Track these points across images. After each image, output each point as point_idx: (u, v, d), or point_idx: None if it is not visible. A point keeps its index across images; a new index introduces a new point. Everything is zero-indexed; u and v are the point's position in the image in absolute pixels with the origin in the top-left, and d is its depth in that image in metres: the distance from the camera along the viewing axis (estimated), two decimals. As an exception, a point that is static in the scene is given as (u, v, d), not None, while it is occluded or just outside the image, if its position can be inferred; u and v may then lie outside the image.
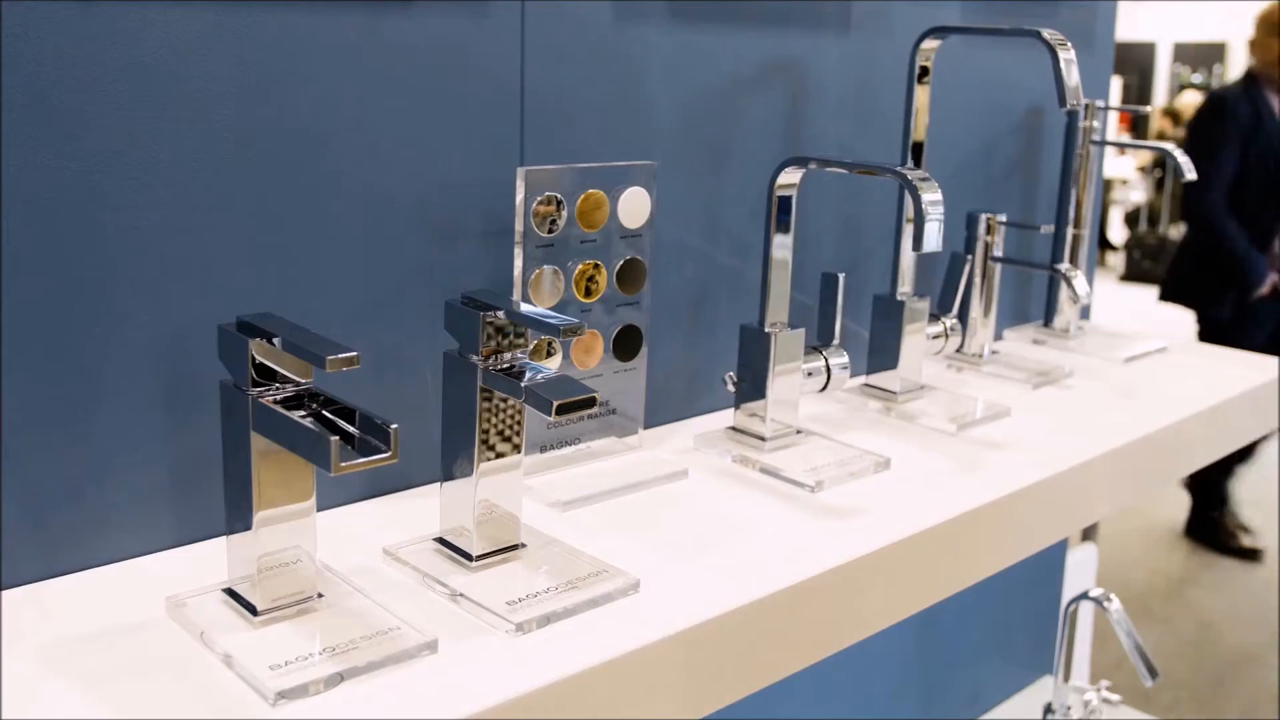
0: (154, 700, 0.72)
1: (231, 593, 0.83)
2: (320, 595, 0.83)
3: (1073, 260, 1.67)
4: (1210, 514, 4.45)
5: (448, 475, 0.91)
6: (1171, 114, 8.41)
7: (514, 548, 0.93)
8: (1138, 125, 8.15)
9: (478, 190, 1.06)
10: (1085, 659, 2.10)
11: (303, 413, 0.78)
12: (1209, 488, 4.42)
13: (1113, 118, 1.97)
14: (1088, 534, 2.73)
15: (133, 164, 0.85)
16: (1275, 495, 4.38)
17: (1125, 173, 8.14)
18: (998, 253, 1.53)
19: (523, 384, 0.84)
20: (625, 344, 1.14)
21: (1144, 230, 8.07)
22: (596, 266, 1.09)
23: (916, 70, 1.33)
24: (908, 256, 1.37)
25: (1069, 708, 1.75)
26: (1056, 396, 1.44)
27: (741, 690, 0.89)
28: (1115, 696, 1.77)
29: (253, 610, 0.81)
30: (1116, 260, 8.36)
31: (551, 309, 1.06)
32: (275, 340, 0.77)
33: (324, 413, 0.78)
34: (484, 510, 0.90)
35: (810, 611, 0.93)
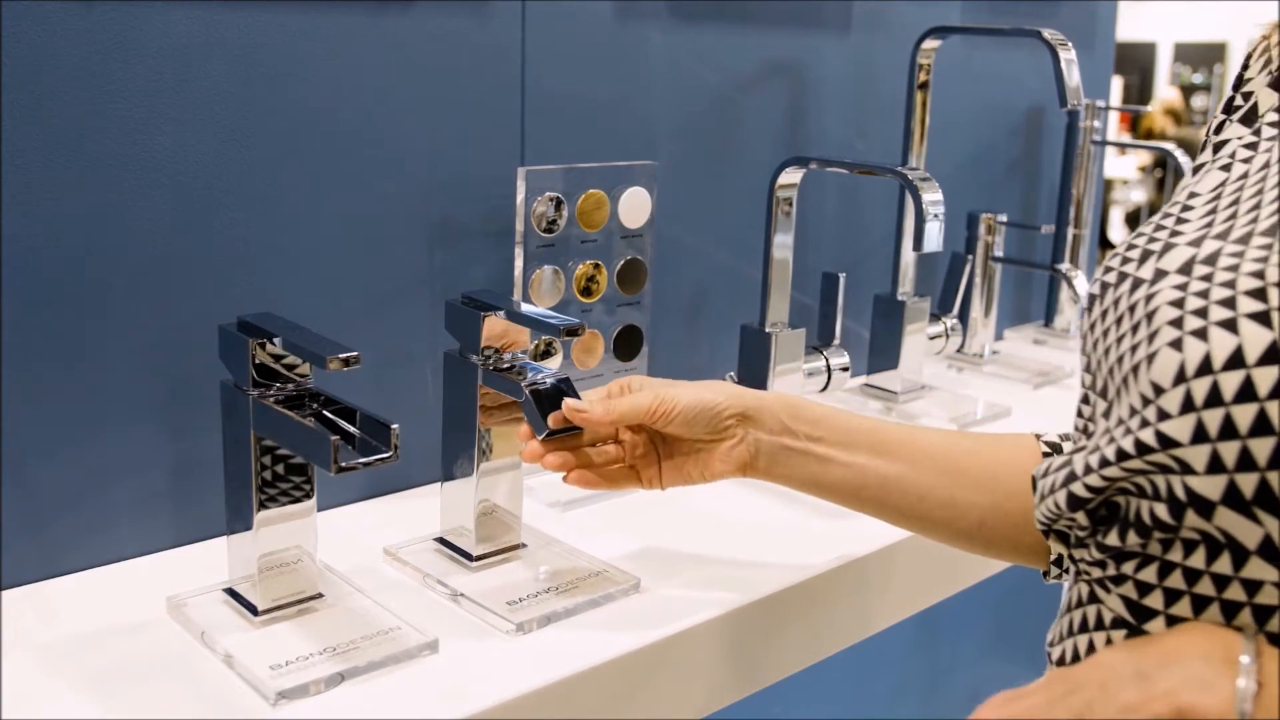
0: (154, 700, 0.72)
1: (232, 593, 0.83)
2: (321, 595, 0.83)
3: (1073, 260, 1.67)
4: None
5: (448, 475, 0.91)
6: (1173, 113, 8.40)
7: (514, 548, 0.93)
8: (1138, 125, 8.15)
9: (478, 190, 1.05)
10: (1086, 659, 2.10)
11: (303, 412, 0.78)
12: None
13: (1113, 118, 1.97)
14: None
15: (133, 163, 0.85)
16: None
17: (1126, 173, 8.13)
18: (998, 253, 1.53)
19: (523, 384, 0.84)
20: (626, 344, 1.14)
21: (1144, 230, 8.06)
22: (597, 266, 1.09)
23: (917, 70, 1.33)
24: (908, 256, 1.37)
25: (1069, 708, 1.74)
26: (1057, 396, 1.44)
27: (742, 690, 0.89)
28: (1115, 696, 1.77)
29: (253, 610, 0.81)
30: (1117, 260, 8.36)
31: (552, 309, 1.06)
32: (276, 340, 0.77)
33: (324, 413, 0.78)
34: (484, 510, 0.90)
35: (811, 612, 0.93)
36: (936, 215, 1.02)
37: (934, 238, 1.02)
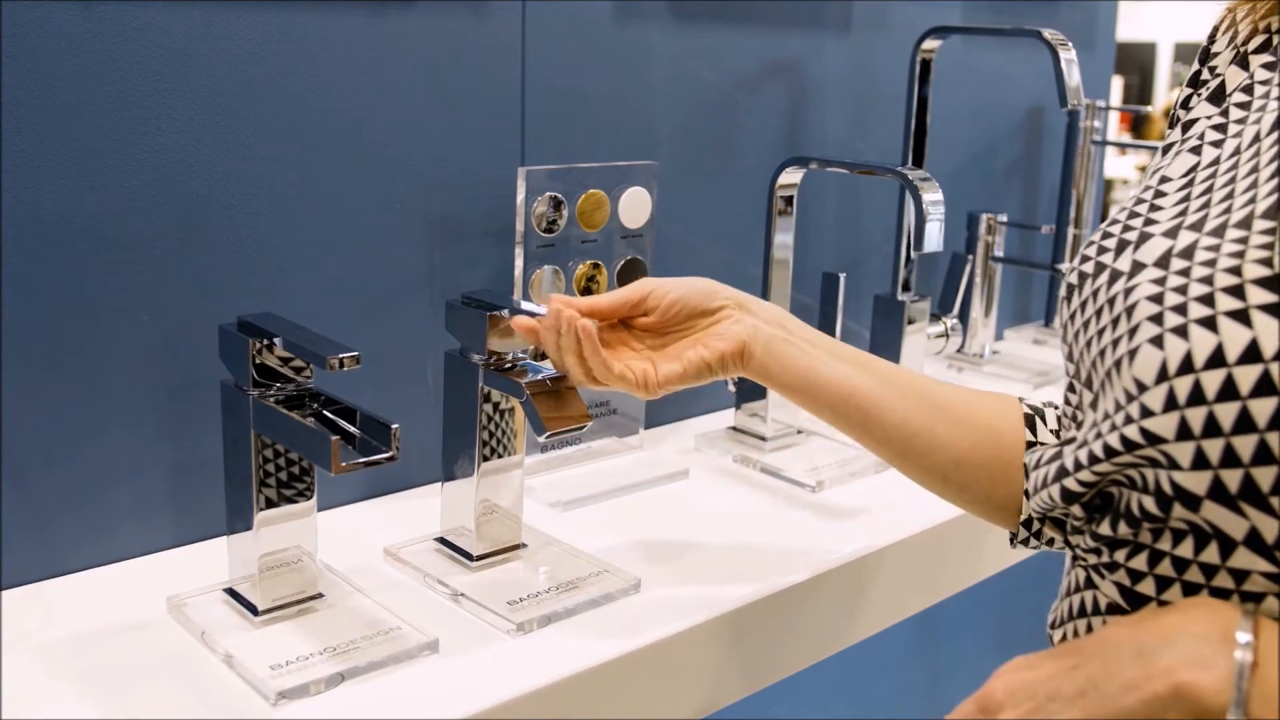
0: (154, 700, 0.72)
1: (232, 593, 0.83)
2: (321, 595, 0.83)
3: (1073, 260, 1.67)
4: None
5: (448, 475, 0.91)
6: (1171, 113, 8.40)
7: (515, 548, 0.93)
8: (1138, 125, 8.15)
9: (478, 190, 1.05)
10: (1086, 659, 2.09)
11: (303, 412, 0.78)
12: None
13: (1113, 118, 1.97)
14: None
15: (133, 163, 0.85)
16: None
17: (1125, 173, 8.13)
18: (999, 253, 1.53)
19: (523, 384, 0.84)
20: (626, 344, 1.14)
21: (1145, 230, 8.03)
22: (597, 266, 1.09)
23: (917, 70, 1.33)
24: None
25: (1070, 708, 1.74)
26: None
27: (742, 690, 0.89)
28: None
29: (253, 610, 0.81)
30: (1117, 260, 8.33)
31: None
32: (276, 340, 0.77)
33: (325, 412, 0.78)
34: (485, 510, 0.90)
35: (811, 611, 0.93)
36: (936, 215, 1.02)
37: (934, 238, 1.02)
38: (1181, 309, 0.56)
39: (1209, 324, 0.54)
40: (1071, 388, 0.69)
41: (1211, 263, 0.56)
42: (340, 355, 0.72)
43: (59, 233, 0.83)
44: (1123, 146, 2.59)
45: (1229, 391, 0.53)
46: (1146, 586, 0.60)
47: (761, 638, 0.89)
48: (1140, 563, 0.61)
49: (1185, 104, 0.72)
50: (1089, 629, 0.65)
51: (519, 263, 1.04)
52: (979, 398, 0.82)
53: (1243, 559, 0.55)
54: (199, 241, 0.89)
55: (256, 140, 0.91)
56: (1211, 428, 0.54)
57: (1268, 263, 0.54)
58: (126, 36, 0.83)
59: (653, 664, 0.81)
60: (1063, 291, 0.69)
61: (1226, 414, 0.53)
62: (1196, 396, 0.54)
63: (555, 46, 1.08)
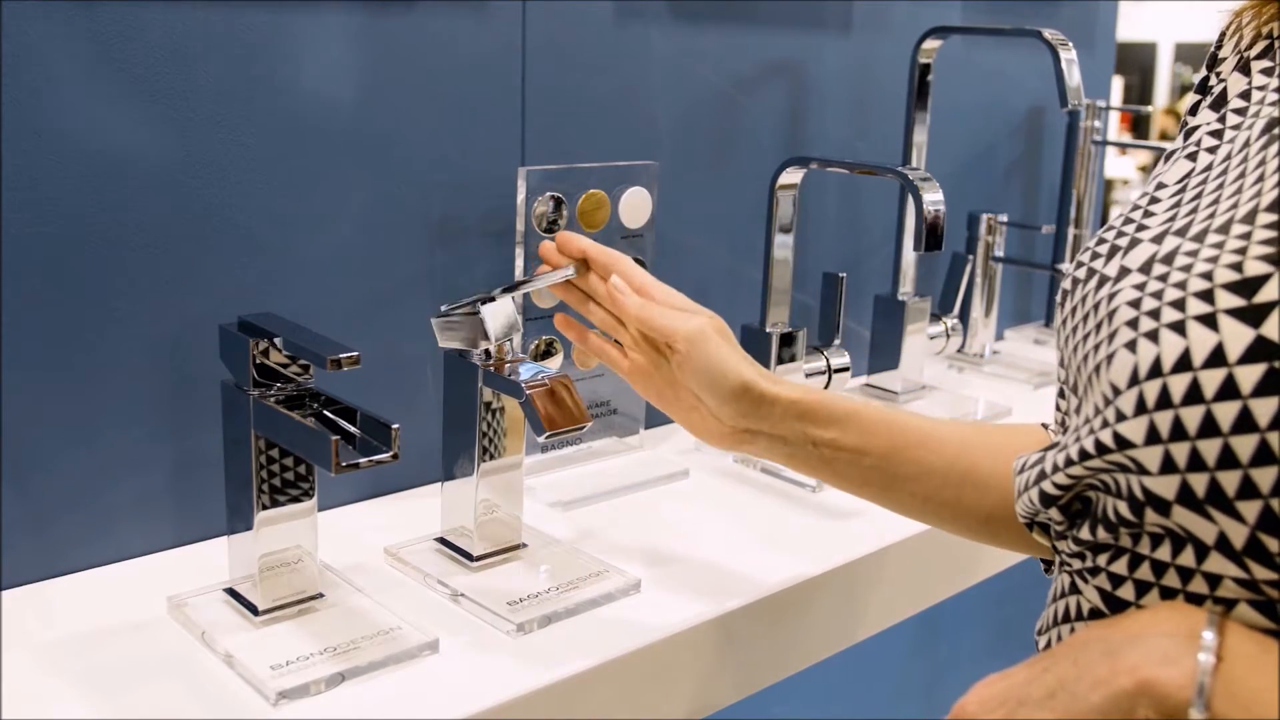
0: (154, 700, 0.72)
1: (232, 592, 0.83)
2: (321, 595, 0.83)
3: (1071, 264, 1.67)
4: None
5: (448, 475, 0.91)
6: (1174, 114, 8.40)
7: (515, 548, 0.93)
8: (1139, 125, 8.15)
9: (478, 190, 1.05)
10: (1086, 659, 2.09)
11: (304, 412, 0.78)
12: None
13: (1114, 118, 1.97)
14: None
15: (133, 163, 0.85)
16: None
17: (1126, 173, 8.12)
18: (999, 253, 1.53)
19: (523, 384, 0.84)
20: (626, 344, 1.14)
21: (1145, 230, 8.01)
22: (597, 266, 1.09)
23: (917, 70, 1.33)
24: (908, 256, 1.37)
25: (1070, 708, 1.74)
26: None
27: (742, 690, 0.89)
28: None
29: (254, 610, 0.81)
30: (1117, 260, 8.31)
31: (551, 309, 1.06)
32: (276, 340, 0.77)
33: (325, 412, 0.78)
34: (485, 510, 0.90)
35: (811, 611, 0.93)
36: (937, 215, 1.02)
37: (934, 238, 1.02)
38: (1156, 314, 0.56)
39: (1178, 328, 0.55)
40: (1062, 393, 0.70)
41: (1188, 268, 0.57)
42: (340, 355, 0.72)
43: (59, 232, 0.83)
44: (1123, 146, 2.59)
45: (1194, 395, 0.53)
46: (1126, 591, 0.61)
47: (761, 638, 0.89)
48: (1121, 567, 0.61)
49: (1193, 110, 0.72)
50: (1072, 634, 0.65)
51: (519, 263, 1.04)
52: (1009, 446, 0.81)
53: (1215, 564, 0.56)
54: (199, 241, 0.89)
55: (256, 140, 0.91)
56: (1178, 432, 0.54)
57: (1238, 267, 0.55)
58: (126, 36, 0.83)
59: (653, 664, 0.81)
60: (1059, 297, 0.69)
61: (1191, 418, 0.53)
62: (1164, 400, 0.54)
63: (555, 46, 1.08)
